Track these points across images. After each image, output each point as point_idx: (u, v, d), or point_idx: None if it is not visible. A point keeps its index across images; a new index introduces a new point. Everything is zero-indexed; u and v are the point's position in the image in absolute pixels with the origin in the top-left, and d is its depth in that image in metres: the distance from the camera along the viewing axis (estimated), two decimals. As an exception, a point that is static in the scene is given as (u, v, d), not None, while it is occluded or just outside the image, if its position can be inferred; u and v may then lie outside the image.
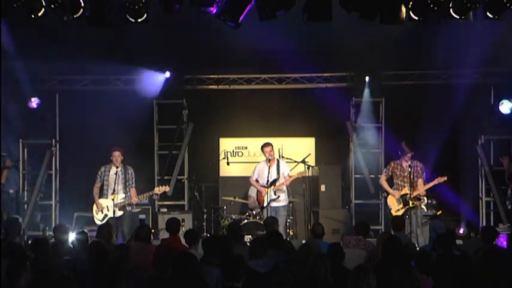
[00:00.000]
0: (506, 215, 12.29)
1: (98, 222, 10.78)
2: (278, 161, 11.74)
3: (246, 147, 13.83)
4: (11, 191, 12.59)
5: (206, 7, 9.44)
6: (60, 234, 8.71)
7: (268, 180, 11.42)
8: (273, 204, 11.43)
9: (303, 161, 12.22)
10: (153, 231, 10.89)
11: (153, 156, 13.59)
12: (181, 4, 9.51)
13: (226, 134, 13.94)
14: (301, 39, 11.54)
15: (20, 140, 12.95)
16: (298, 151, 12.98)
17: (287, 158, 12.47)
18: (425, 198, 11.98)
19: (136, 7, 9.66)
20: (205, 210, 12.73)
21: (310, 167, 12.48)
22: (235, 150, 13.87)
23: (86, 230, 10.22)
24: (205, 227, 12.54)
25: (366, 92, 13.45)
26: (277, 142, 12.54)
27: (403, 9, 9.58)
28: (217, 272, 6.50)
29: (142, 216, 12.22)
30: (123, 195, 11.05)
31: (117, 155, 11.10)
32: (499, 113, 12.60)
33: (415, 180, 11.05)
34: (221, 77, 13.86)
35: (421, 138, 12.57)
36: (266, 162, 11.66)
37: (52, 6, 9.41)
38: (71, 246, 8.12)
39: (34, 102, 12.65)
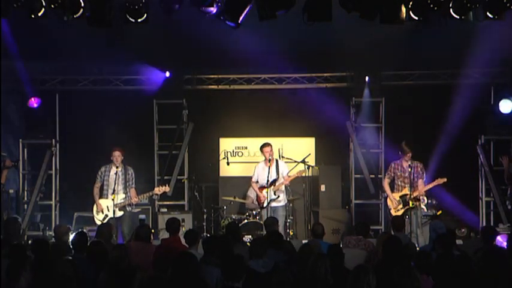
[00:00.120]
0: (506, 215, 12.28)
1: (98, 223, 10.79)
2: (277, 161, 11.76)
3: (246, 147, 13.83)
4: (11, 191, 12.59)
5: (206, 7, 9.44)
6: (60, 234, 8.71)
7: (268, 180, 11.43)
8: (272, 204, 11.45)
9: (303, 161, 12.24)
10: (153, 231, 10.88)
11: (153, 156, 13.59)
12: (181, 4, 9.51)
13: (226, 134, 13.94)
14: (301, 39, 11.53)
15: (20, 140, 12.94)
16: (298, 151, 12.99)
17: (287, 158, 12.49)
18: (425, 198, 12.00)
19: (136, 7, 9.66)
20: (205, 210, 12.73)
21: (310, 167, 12.50)
22: (235, 150, 13.87)
23: (85, 230, 10.28)
24: (205, 227, 12.53)
25: (366, 92, 13.45)
26: (277, 142, 12.57)
27: (403, 9, 9.58)
28: (217, 272, 6.50)
29: (142, 216, 12.22)
30: (123, 196, 11.06)
31: (117, 155, 11.10)
32: (499, 113, 12.60)
33: (415, 181, 11.06)
34: (221, 77, 13.85)
35: (421, 139, 12.58)
36: (265, 163, 11.66)
37: (52, 6, 9.41)
38: (71, 246, 8.12)
39: (34, 102, 12.65)
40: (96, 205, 11.13)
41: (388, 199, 11.40)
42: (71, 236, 8.98)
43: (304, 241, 10.29)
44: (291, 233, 12.22)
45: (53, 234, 9.28)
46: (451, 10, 9.59)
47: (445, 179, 11.08)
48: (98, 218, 11.06)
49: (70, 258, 7.22)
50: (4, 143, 12.44)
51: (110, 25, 9.68)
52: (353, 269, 5.89)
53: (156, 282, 5.79)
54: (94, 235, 9.25)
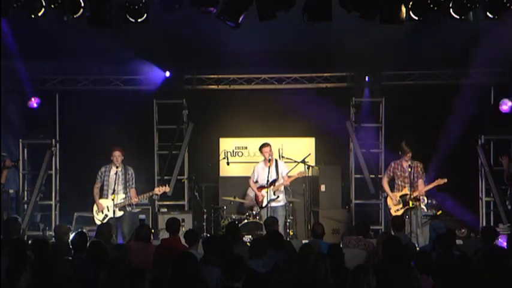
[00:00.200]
0: (506, 215, 12.29)
1: (98, 222, 10.79)
2: (276, 161, 11.75)
3: (246, 147, 13.82)
4: (11, 191, 12.60)
5: (206, 7, 9.44)
6: (61, 234, 8.71)
7: (268, 180, 11.43)
8: (272, 204, 11.45)
9: (303, 161, 12.23)
10: (153, 231, 10.88)
11: (153, 156, 13.60)
12: (181, 4, 9.51)
13: (226, 134, 13.93)
14: (301, 39, 11.53)
15: (20, 140, 12.95)
16: (298, 151, 12.98)
17: (287, 158, 12.49)
18: (425, 198, 12.00)
19: (136, 7, 9.67)
20: (205, 210, 12.73)
21: (310, 167, 12.49)
22: (235, 150, 13.87)
23: (85, 230, 10.27)
24: (205, 227, 12.53)
25: (366, 92, 13.45)
26: (277, 142, 12.57)
27: (403, 9, 9.58)
28: (217, 272, 6.50)
29: (142, 216, 12.22)
30: (123, 196, 11.06)
31: (117, 155, 11.10)
32: (499, 113, 12.60)
33: (415, 181, 11.06)
34: (221, 77, 13.85)
35: (421, 139, 12.58)
36: (265, 163, 11.67)
37: (52, 6, 9.41)
38: (70, 246, 8.12)
39: (34, 102, 12.65)
40: (97, 205, 11.12)
41: (388, 198, 11.40)
42: (71, 236, 8.99)
43: (304, 241, 10.29)
44: (291, 233, 12.22)
45: (53, 234, 9.27)
46: (451, 10, 9.60)
47: (445, 180, 11.08)
48: (98, 218, 11.06)
49: (70, 258, 7.22)
50: (4, 143, 12.44)
51: (110, 25, 9.68)
52: (353, 269, 5.89)
53: (156, 283, 5.78)
54: (94, 235, 9.25)
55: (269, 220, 9.66)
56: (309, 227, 12.26)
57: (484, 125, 12.92)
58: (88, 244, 7.53)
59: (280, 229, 10.73)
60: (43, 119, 12.85)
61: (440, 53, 12.23)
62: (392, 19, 9.65)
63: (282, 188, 11.61)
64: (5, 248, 7.23)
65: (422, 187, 11.14)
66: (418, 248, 8.70)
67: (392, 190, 11.42)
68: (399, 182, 11.26)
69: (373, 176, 13.08)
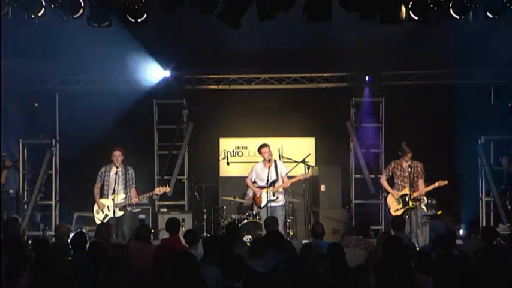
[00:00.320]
0: (506, 215, 12.28)
1: (99, 222, 10.77)
2: (276, 161, 11.74)
3: (246, 147, 13.82)
4: (11, 191, 12.59)
5: (206, 8, 9.44)
6: (61, 234, 8.70)
7: (268, 181, 11.42)
8: (271, 203, 11.44)
9: (303, 161, 12.22)
10: (153, 231, 10.89)
11: (153, 156, 13.59)
12: (181, 4, 9.51)
13: (226, 134, 13.93)
14: (301, 39, 11.53)
15: (20, 140, 12.93)
16: (298, 151, 12.98)
17: (287, 158, 12.48)
18: (425, 198, 11.99)
19: (136, 7, 9.67)
20: (205, 210, 12.73)
21: (310, 167, 12.48)
22: (235, 150, 13.87)
23: (85, 230, 10.26)
24: (205, 227, 12.53)
25: (366, 92, 13.45)
26: (277, 142, 12.58)
27: (403, 9, 9.59)
28: (217, 272, 6.49)
29: (142, 216, 12.22)
30: (124, 196, 11.05)
31: (117, 155, 11.10)
32: (499, 113, 12.60)
33: (415, 181, 11.06)
34: (221, 77, 13.85)
35: (421, 138, 12.57)
36: (264, 164, 11.66)
37: (52, 6, 9.42)
38: (70, 246, 8.12)
39: (34, 102, 12.64)
40: (98, 204, 11.11)
41: (388, 196, 11.38)
42: (71, 236, 8.99)
43: (304, 241, 10.29)
44: (291, 233, 12.21)
45: (53, 234, 9.27)
46: (451, 10, 9.61)
47: (446, 182, 11.06)
48: (98, 218, 11.05)
49: (70, 258, 7.22)
50: (4, 143, 12.42)
51: (110, 25, 9.69)
52: (353, 269, 5.89)
53: (156, 283, 5.79)
54: (93, 235, 9.25)
55: (269, 220, 9.65)
56: (309, 227, 12.26)
57: (484, 125, 12.92)
58: (88, 244, 7.53)
59: (280, 229, 10.72)
60: (43, 119, 12.85)
61: (440, 53, 12.23)
62: (392, 19, 9.66)
63: (281, 189, 11.60)
64: (5, 248, 7.23)
65: (422, 187, 11.12)
66: (418, 248, 8.70)
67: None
68: (399, 182, 11.26)
69: (373, 176, 13.08)
